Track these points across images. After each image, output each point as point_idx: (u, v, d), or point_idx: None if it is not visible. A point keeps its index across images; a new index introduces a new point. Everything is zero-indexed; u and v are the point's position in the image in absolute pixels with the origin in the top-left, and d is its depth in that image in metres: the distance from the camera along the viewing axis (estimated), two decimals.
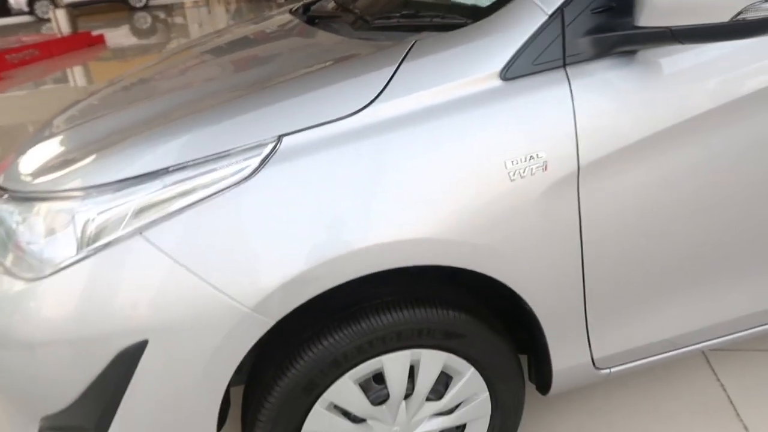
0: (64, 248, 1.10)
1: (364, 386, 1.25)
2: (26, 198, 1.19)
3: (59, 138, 1.38)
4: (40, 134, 1.49)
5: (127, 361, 1.08)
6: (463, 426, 1.40)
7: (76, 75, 8.39)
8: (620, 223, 1.23)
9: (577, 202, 1.18)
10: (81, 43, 10.59)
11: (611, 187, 1.19)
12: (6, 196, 1.23)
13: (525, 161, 1.13)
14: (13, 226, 1.18)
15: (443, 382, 1.33)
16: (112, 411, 1.12)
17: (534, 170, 1.13)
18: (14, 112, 6.35)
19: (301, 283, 1.08)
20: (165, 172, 1.09)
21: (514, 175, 1.13)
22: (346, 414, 1.27)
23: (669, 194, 1.24)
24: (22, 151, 1.38)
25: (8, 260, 1.16)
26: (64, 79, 8.07)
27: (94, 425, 1.14)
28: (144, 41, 11.24)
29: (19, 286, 1.12)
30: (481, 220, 1.13)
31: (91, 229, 1.09)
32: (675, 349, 1.48)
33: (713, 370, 1.81)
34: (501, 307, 1.49)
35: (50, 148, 1.34)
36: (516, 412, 1.40)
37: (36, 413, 1.21)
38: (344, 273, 1.10)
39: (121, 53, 9.91)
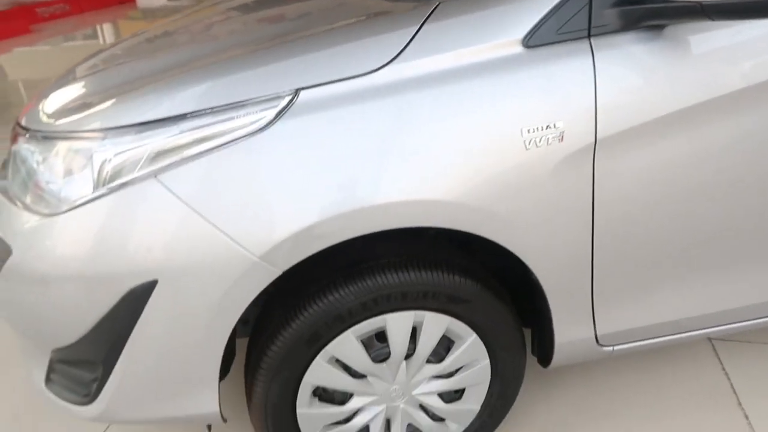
0: (81, 187, 1.12)
1: (367, 343, 1.27)
2: (47, 138, 1.21)
3: (81, 83, 1.40)
4: (63, 79, 1.51)
5: (136, 300, 1.11)
6: (462, 390, 1.41)
7: (105, 32, 8.43)
8: (634, 200, 1.22)
9: (591, 177, 1.17)
10: (111, 0, 10.62)
11: (628, 164, 1.18)
12: (27, 135, 1.26)
13: (542, 130, 1.12)
14: (34, 165, 1.21)
15: (445, 345, 1.35)
16: (120, 348, 1.16)
17: (550, 140, 1.13)
18: (42, 65, 6.42)
19: (310, 235, 1.09)
20: (182, 118, 1.11)
21: (529, 144, 1.12)
22: (347, 369, 1.29)
23: (687, 175, 1.22)
24: (45, 95, 1.41)
25: (28, 198, 1.19)
26: (92, 36, 8.12)
27: (102, 360, 1.18)
28: (174, 2, 11.23)
29: (36, 221, 1.15)
30: (493, 186, 1.13)
31: (107, 169, 1.11)
32: (680, 333, 1.47)
33: (719, 359, 1.80)
34: (508, 278, 1.50)
35: (72, 92, 1.35)
36: (515, 381, 1.42)
37: (48, 346, 1.25)
38: (354, 229, 1.11)
39: (150, 13, 9.92)
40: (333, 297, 1.18)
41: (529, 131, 1.11)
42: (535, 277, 1.25)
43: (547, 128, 1.12)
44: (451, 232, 1.50)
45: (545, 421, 1.65)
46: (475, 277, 1.27)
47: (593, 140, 1.14)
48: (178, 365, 1.18)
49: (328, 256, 1.25)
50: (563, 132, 1.13)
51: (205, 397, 1.23)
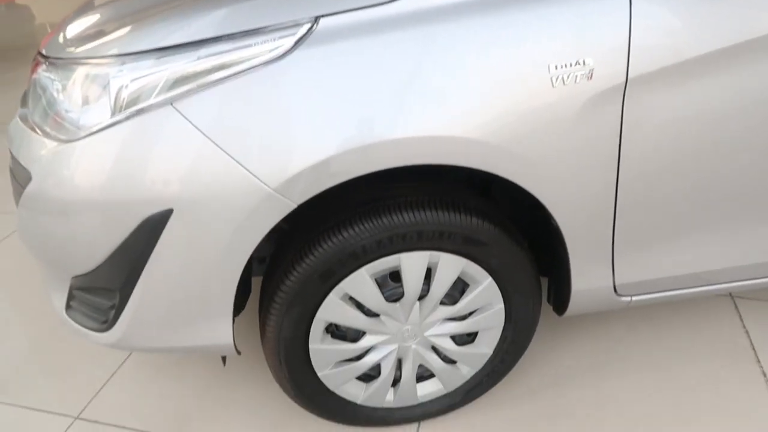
0: (98, 113, 1.12)
1: (381, 282, 1.27)
2: (66, 65, 1.20)
3: (100, 11, 1.38)
4: (83, 9, 1.49)
5: (152, 228, 1.11)
6: (475, 334, 1.41)
7: None
8: (662, 145, 1.17)
9: (619, 118, 1.12)
10: None
11: (657, 107, 1.13)
12: (47, 63, 1.25)
13: (570, 66, 1.07)
14: (54, 93, 1.20)
15: (459, 288, 1.34)
16: (136, 276, 1.17)
17: (578, 78, 1.08)
18: (69, 8, 6.38)
19: (326, 168, 1.07)
20: (200, 44, 1.08)
21: (556, 80, 1.08)
22: (360, 307, 1.29)
23: (718, 121, 1.17)
24: (65, 24, 1.39)
25: (48, 125, 1.19)
26: None
27: (119, 288, 1.19)
28: None
29: (54, 148, 1.15)
30: (516, 124, 1.10)
31: (124, 95, 1.10)
32: (700, 286, 1.44)
33: (740, 316, 1.77)
34: (526, 226, 1.48)
35: (91, 20, 1.33)
36: (529, 327, 1.41)
37: (67, 273, 1.27)
38: (371, 163, 1.09)
39: None
40: (348, 234, 1.17)
41: (557, 67, 1.07)
42: (555, 222, 1.23)
43: (576, 65, 1.07)
44: (471, 176, 1.48)
45: (556, 370, 1.65)
46: (492, 221, 1.24)
47: (624, 80, 1.09)
48: (193, 295, 1.19)
49: (344, 192, 1.25)
50: (593, 70, 1.08)
51: (219, 328, 1.24)
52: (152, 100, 1.08)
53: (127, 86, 1.09)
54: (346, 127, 1.06)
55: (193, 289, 1.18)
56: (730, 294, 1.85)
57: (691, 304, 1.83)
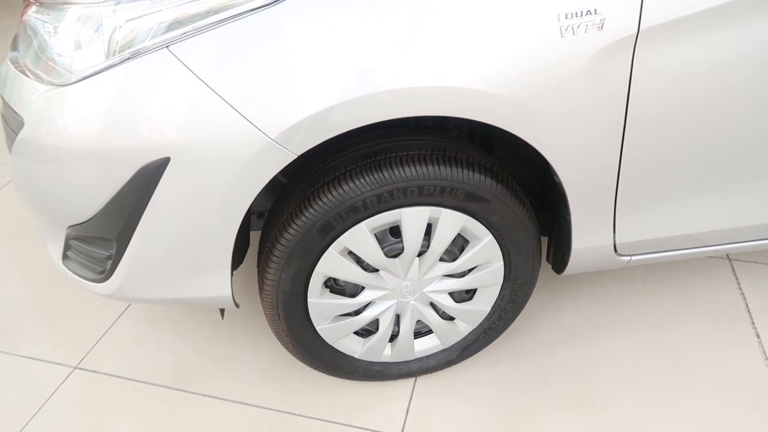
0: (91, 56, 1.08)
1: (380, 237, 1.26)
2: (57, 5, 1.15)
3: None
4: None
5: (149, 177, 1.09)
6: (473, 291, 1.41)
7: None
8: (670, 101, 1.14)
9: (629, 72, 1.09)
10: None
11: (668, 60, 1.10)
12: (38, 4, 1.20)
13: (580, 16, 1.03)
14: (45, 35, 1.16)
15: (459, 244, 1.33)
16: (133, 226, 1.15)
17: (589, 27, 1.04)
18: None
19: (327, 118, 1.05)
20: None
21: (566, 30, 1.04)
22: (359, 262, 1.28)
23: (727, 78, 1.14)
24: None
25: (40, 69, 1.15)
26: None
27: (116, 237, 1.18)
28: None
29: (47, 93, 1.11)
30: (522, 76, 1.06)
31: (118, 37, 1.06)
32: (698, 247, 1.43)
33: (737, 278, 1.77)
34: (529, 184, 1.46)
35: None
36: (528, 285, 1.40)
37: (63, 223, 1.25)
38: (373, 114, 1.06)
39: None
40: (348, 187, 1.15)
41: (567, 16, 1.03)
42: (558, 178, 1.21)
43: (587, 14, 1.03)
44: (474, 131, 1.46)
45: (553, 329, 1.65)
46: (495, 177, 1.22)
47: (635, 31, 1.05)
48: (191, 246, 1.18)
49: (344, 146, 1.22)
50: (604, 19, 1.04)
51: (217, 280, 1.24)
52: (147, 43, 1.04)
53: (120, 27, 1.06)
54: (346, 76, 1.03)
55: (192, 239, 1.17)
56: (728, 256, 1.85)
57: (688, 266, 1.83)
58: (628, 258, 1.40)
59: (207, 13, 1.03)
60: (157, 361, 1.59)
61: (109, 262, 1.24)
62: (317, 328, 1.35)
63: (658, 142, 1.18)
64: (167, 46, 1.03)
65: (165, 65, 1.04)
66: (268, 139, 1.05)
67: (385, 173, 1.16)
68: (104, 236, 1.20)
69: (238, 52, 1.03)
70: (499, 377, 1.52)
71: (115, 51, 1.06)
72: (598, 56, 1.06)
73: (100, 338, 1.65)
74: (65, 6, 1.13)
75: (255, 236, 1.80)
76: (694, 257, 1.45)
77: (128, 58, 1.05)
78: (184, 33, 1.03)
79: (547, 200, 1.47)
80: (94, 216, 1.18)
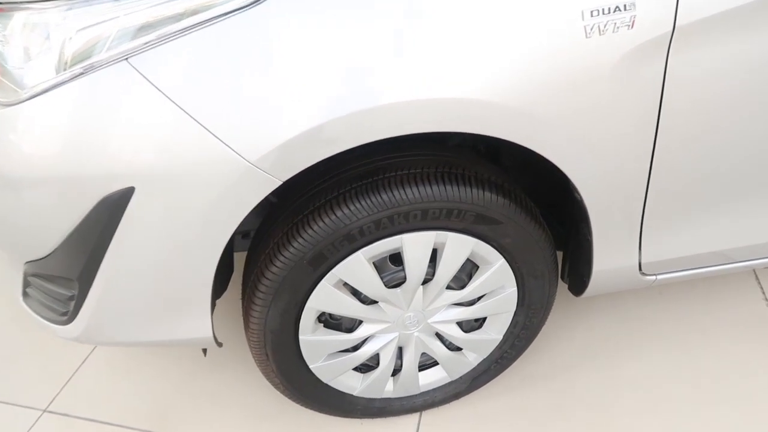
0: (41, 70, 0.92)
1: (379, 266, 1.11)
2: (6, 9, 1.00)
3: None
4: None
5: (111, 209, 0.94)
6: (483, 319, 1.27)
7: None
8: (708, 109, 1.01)
9: (662, 75, 0.95)
10: None
11: (708, 62, 0.96)
12: None
13: (608, 13, 0.89)
14: None
15: (467, 270, 1.19)
16: (96, 264, 1.00)
17: (618, 25, 0.90)
18: None
19: (313, 139, 0.90)
20: None
21: (591, 30, 0.90)
22: (356, 294, 1.14)
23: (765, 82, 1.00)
24: None
25: None
26: None
27: (77, 277, 1.03)
28: None
29: None
30: (540, 84, 0.92)
31: (70, 49, 0.90)
32: (725, 264, 1.31)
33: (762, 288, 1.65)
34: (539, 195, 1.32)
35: None
36: (544, 311, 1.27)
37: (19, 257, 1.10)
38: (364, 133, 0.92)
39: None
40: (342, 213, 1.01)
41: (593, 14, 0.89)
42: (579, 196, 1.07)
43: (615, 11, 0.89)
44: (477, 141, 1.31)
45: (568, 349, 1.52)
46: (507, 195, 1.08)
47: (671, 28, 0.91)
48: (163, 285, 1.03)
49: (337, 164, 1.08)
50: (635, 17, 0.90)
51: (196, 320, 1.09)
52: (103, 55, 0.89)
53: (71, 38, 0.90)
54: (335, 90, 0.88)
55: (163, 279, 1.02)
56: (753, 270, 1.73)
57: (708, 279, 1.70)
58: (654, 278, 1.26)
59: (172, 19, 0.88)
60: (134, 400, 1.44)
61: (72, 303, 1.09)
62: (311, 366, 1.20)
63: (692, 153, 1.05)
64: (127, 59, 0.88)
65: (124, 81, 0.88)
66: (248, 163, 0.90)
67: (384, 196, 1.01)
68: (64, 275, 1.05)
69: (205, 62, 0.88)
70: (512, 408, 1.39)
71: (66, 64, 0.91)
72: (627, 58, 0.92)
73: (71, 377, 1.50)
74: (12, 11, 0.98)
75: (240, 257, 1.66)
76: (722, 274, 1.32)
77: (81, 74, 0.89)
78: (147, 42, 0.88)
79: (560, 212, 1.33)
80: (52, 252, 1.03)
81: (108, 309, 1.06)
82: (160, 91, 0.88)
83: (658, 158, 1.04)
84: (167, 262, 1.00)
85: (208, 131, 0.89)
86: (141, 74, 0.88)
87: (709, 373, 1.43)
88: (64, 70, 0.90)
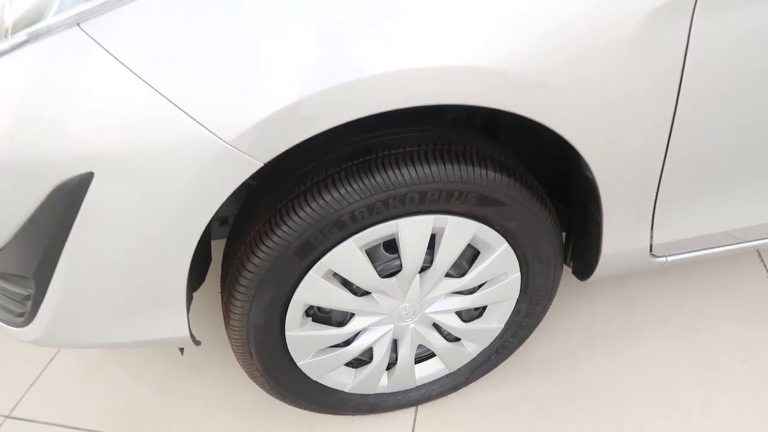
0: None
1: (372, 254, 1.02)
2: None
3: None
4: None
5: (68, 198, 0.82)
6: (484, 307, 1.19)
7: None
8: (731, 76, 0.92)
9: (686, 39, 0.86)
10: None
11: (736, 26, 0.87)
12: None
13: None
14: None
15: (467, 256, 1.10)
16: (54, 259, 0.89)
17: None
18: None
19: (293, 117, 0.79)
20: None
21: None
22: (347, 285, 1.04)
23: None
24: None
25: None
26: None
27: (33, 275, 0.91)
28: None
29: None
30: (550, 49, 0.82)
31: (9, 14, 0.78)
32: (733, 244, 1.24)
33: (765, 266, 1.59)
34: (542, 172, 1.22)
35: None
36: (548, 297, 1.19)
37: None
38: (351, 109, 0.81)
39: None
40: (331, 197, 0.90)
41: None
42: (591, 174, 0.98)
43: None
44: (472, 111, 1.21)
45: (569, 335, 1.45)
46: (512, 174, 0.99)
47: None
48: (132, 281, 0.92)
49: (324, 144, 0.97)
50: None
51: (170, 318, 0.98)
52: (50, 21, 0.76)
53: (11, 2, 0.78)
54: (318, 59, 0.77)
55: (131, 274, 0.91)
56: (757, 250, 1.66)
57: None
58: (664, 259, 1.19)
59: None
60: (106, 404, 1.33)
61: (29, 303, 0.97)
62: (299, 363, 1.11)
63: (713, 125, 0.96)
64: (78, 24, 0.76)
65: (76, 50, 0.76)
66: (223, 143, 0.79)
67: (378, 177, 0.91)
68: (18, 273, 0.94)
69: (176, 30, 0.76)
70: (512, 398, 1.31)
71: (7, 32, 0.78)
72: (648, 20, 0.82)
73: (35, 380, 1.38)
74: None
75: (219, 245, 1.54)
76: (731, 254, 1.25)
77: (25, 42, 0.77)
78: (102, 5, 0.76)
79: (562, 191, 1.24)
80: (2, 248, 0.91)
81: (70, 309, 0.94)
82: (119, 61, 0.76)
83: (677, 130, 0.95)
84: (135, 256, 0.89)
85: (178, 108, 0.77)
86: (96, 42, 0.76)
87: (713, 354, 1.37)
88: (5, 37, 0.78)
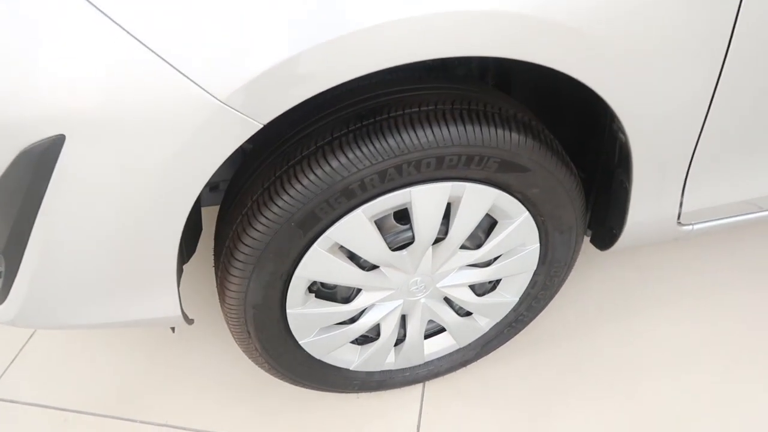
0: None
1: (381, 225, 0.92)
2: None
3: None
4: None
5: (36, 164, 0.71)
6: (497, 280, 1.10)
7: None
8: None
9: None
10: None
11: None
12: None
13: None
14: None
15: (484, 227, 1.01)
16: (24, 234, 0.78)
17: None
18: None
19: (296, 72, 0.68)
20: None
21: None
22: (354, 258, 0.95)
23: None
24: None
25: None
26: None
27: (2, 250, 0.81)
28: None
29: None
30: None
31: None
32: (756, 213, 1.16)
33: None
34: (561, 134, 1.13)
35: None
36: (567, 268, 1.11)
37: None
38: (354, 64, 0.71)
39: None
40: (338, 163, 0.80)
41: None
42: (624, 136, 0.89)
43: None
44: (485, 65, 1.11)
45: (581, 305, 1.38)
46: (536, 137, 0.89)
47: None
48: (115, 257, 0.82)
49: (329, 102, 0.86)
50: None
51: (159, 295, 0.89)
52: None
53: None
54: (313, 12, 0.66)
55: (115, 248, 0.81)
56: None
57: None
58: (691, 227, 1.11)
59: None
60: (93, 383, 1.24)
61: (0, 281, 0.87)
62: (301, 342, 1.03)
63: (760, 85, 0.87)
64: None
65: None
66: (218, 102, 0.68)
67: (390, 141, 0.81)
68: None
69: None
70: (522, 373, 1.25)
71: None
72: None
73: (14, 358, 1.29)
74: None
75: (211, 213, 1.44)
76: (755, 222, 1.17)
77: None
78: None
79: (581, 156, 1.15)
80: None
81: (46, 287, 0.85)
82: (95, 7, 0.65)
83: (722, 90, 0.86)
84: (118, 229, 0.79)
85: (165, 61, 0.66)
86: None
87: (731, 321, 1.32)
88: None
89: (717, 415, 1.17)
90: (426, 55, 0.73)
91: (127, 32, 0.65)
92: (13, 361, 1.28)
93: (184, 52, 0.66)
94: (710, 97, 0.86)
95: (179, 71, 0.66)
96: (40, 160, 0.71)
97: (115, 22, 0.65)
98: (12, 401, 1.21)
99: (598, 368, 1.26)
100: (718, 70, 0.83)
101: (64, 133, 0.69)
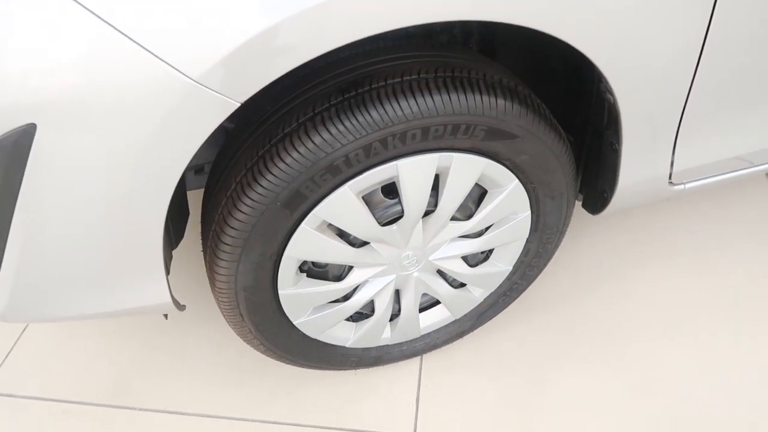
0: None
1: (369, 200, 0.91)
2: None
3: None
4: None
5: (9, 155, 0.69)
6: (490, 250, 1.10)
7: None
8: None
9: None
10: None
11: None
12: None
13: None
14: None
15: (473, 196, 0.99)
16: (4, 227, 0.76)
17: None
18: None
19: (268, 47, 0.66)
20: None
21: None
22: (344, 235, 0.94)
23: None
24: None
25: None
26: None
27: None
28: None
29: None
30: None
31: None
32: (746, 168, 1.16)
33: None
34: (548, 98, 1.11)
35: None
36: (559, 234, 1.10)
37: None
38: (335, 33, 0.68)
39: None
40: (321, 139, 0.78)
41: None
42: (612, 97, 0.87)
43: None
44: (468, 30, 1.08)
45: (574, 270, 1.38)
46: (523, 102, 0.87)
47: None
48: (100, 246, 0.81)
49: (309, 76, 0.84)
50: None
51: (147, 283, 0.88)
52: None
53: None
54: None
55: (96, 238, 0.79)
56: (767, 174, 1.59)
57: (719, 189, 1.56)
58: (682, 186, 1.10)
59: None
60: (89, 373, 1.24)
61: None
62: (295, 322, 1.02)
63: (745, 44, 0.85)
64: None
65: None
66: (190, 81, 0.66)
67: (374, 113, 0.79)
68: None
69: None
70: (518, 341, 1.26)
71: None
72: None
73: (9, 351, 1.28)
74: None
75: (198, 196, 1.42)
76: (743, 178, 1.17)
77: None
78: None
79: (570, 119, 1.13)
80: None
81: (32, 280, 0.83)
82: None
83: (711, 42, 0.84)
84: (101, 217, 0.77)
85: (132, 41, 0.64)
86: None
87: (724, 277, 1.32)
88: None
89: (716, 373, 1.17)
90: (413, 21, 0.70)
91: (92, 12, 0.63)
92: (8, 354, 1.27)
93: (153, 30, 0.64)
94: (699, 51, 0.84)
95: (148, 50, 0.64)
96: (12, 151, 0.68)
97: (79, 3, 0.62)
98: (10, 395, 1.20)
99: (592, 332, 1.26)
100: (707, 21, 0.81)
101: (35, 122, 0.67)
